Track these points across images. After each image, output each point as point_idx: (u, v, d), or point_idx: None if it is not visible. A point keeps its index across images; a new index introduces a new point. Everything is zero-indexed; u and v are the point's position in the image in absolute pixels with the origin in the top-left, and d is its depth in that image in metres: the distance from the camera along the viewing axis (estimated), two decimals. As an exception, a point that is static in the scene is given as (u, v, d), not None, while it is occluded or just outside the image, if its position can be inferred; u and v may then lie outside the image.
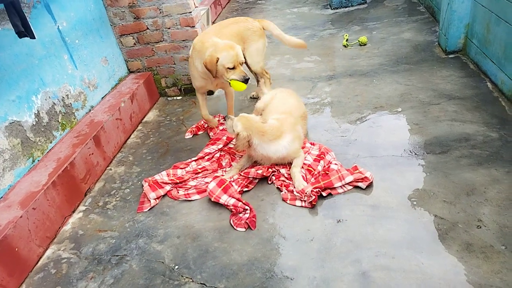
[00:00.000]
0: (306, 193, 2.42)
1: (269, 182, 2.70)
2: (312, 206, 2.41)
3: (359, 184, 2.49)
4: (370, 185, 2.50)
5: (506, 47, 3.06)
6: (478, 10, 3.55)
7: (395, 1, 6.02)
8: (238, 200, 2.49)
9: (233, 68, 2.81)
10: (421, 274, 1.90)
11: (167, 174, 2.87)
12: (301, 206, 2.44)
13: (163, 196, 2.74)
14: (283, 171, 2.72)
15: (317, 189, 2.45)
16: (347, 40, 4.81)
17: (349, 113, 3.36)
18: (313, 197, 2.40)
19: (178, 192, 2.74)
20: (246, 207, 2.45)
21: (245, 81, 2.82)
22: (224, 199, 2.52)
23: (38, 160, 2.74)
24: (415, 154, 2.71)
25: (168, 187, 2.78)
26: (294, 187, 2.54)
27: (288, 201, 2.49)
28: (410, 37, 4.64)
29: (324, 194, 2.47)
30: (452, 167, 2.53)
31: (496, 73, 3.25)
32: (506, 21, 3.04)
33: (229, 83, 2.86)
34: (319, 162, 2.73)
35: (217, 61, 2.78)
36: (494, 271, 1.85)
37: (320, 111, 3.49)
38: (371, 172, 2.54)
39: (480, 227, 2.08)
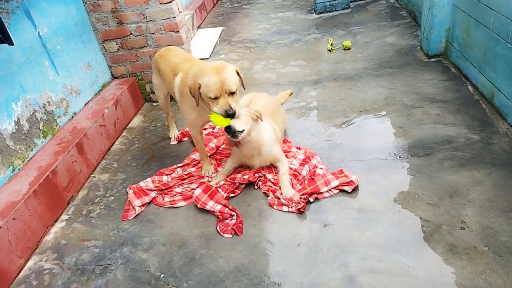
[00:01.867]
0: (294, 201, 2.42)
1: (256, 187, 2.69)
2: (300, 213, 2.40)
3: (345, 188, 2.50)
4: (356, 189, 2.51)
5: (485, 50, 3.14)
6: (457, 15, 3.63)
7: (378, 6, 6.12)
8: (225, 206, 2.47)
9: (216, 98, 2.27)
10: (407, 276, 1.91)
11: (152, 181, 2.83)
12: (288, 212, 2.44)
13: (148, 203, 2.70)
14: (269, 176, 2.72)
15: (305, 195, 2.46)
16: (331, 44, 4.86)
17: (334, 117, 3.38)
18: (302, 204, 2.40)
19: (163, 199, 2.70)
20: (233, 213, 2.43)
21: (228, 115, 2.26)
22: (210, 205, 2.50)
23: (19, 169, 2.67)
24: (400, 157, 2.74)
25: (153, 194, 2.74)
26: (282, 193, 2.53)
27: (275, 207, 2.48)
28: (393, 41, 4.71)
29: (311, 199, 2.47)
30: (436, 169, 2.56)
31: (477, 76, 3.32)
32: (484, 25, 3.11)
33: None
34: (303, 166, 2.74)
35: (199, 88, 2.28)
36: (478, 272, 1.87)
37: (305, 115, 3.50)
38: (357, 176, 2.55)
39: (464, 229, 2.11)
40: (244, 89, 2.55)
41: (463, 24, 3.51)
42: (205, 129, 3.43)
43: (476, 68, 3.33)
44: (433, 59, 4.05)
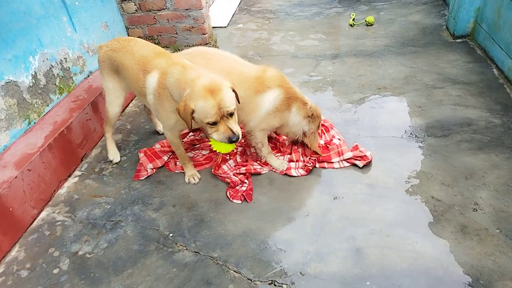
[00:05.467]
0: (304, 161, 2.53)
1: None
2: (308, 172, 2.47)
3: (357, 162, 2.48)
4: (368, 165, 2.48)
5: (516, 32, 3.00)
6: (490, -6, 3.46)
7: (405, -18, 5.87)
8: (239, 173, 2.51)
9: (215, 123, 1.98)
10: (415, 253, 1.91)
11: (161, 146, 2.83)
12: (297, 176, 2.47)
13: (160, 167, 2.72)
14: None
15: (314, 158, 2.53)
16: (353, 19, 4.71)
17: (351, 93, 3.32)
18: (311, 163, 2.47)
19: (175, 165, 2.71)
20: (246, 181, 2.44)
21: (232, 142, 2.02)
22: (226, 171, 2.56)
23: (34, 123, 2.69)
24: (416, 136, 2.69)
25: (165, 158, 2.75)
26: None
27: (283, 172, 2.52)
28: (418, 20, 4.54)
29: (317, 166, 2.52)
30: (452, 150, 2.51)
31: (504, 60, 3.20)
32: (518, 5, 2.96)
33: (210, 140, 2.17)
34: (320, 136, 2.75)
35: (192, 113, 1.95)
36: (487, 253, 1.86)
37: (322, 89, 3.44)
38: (371, 152, 2.52)
39: (476, 210, 2.08)
40: (239, 103, 2.13)
41: (495, 4, 3.35)
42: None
43: (504, 50, 3.19)
44: (458, 40, 3.91)
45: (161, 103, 2.17)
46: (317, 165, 2.52)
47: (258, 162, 2.60)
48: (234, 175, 2.50)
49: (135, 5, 3.83)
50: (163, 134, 3.01)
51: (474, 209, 2.09)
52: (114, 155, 2.79)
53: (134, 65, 2.28)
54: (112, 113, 2.63)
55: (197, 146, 2.85)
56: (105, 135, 2.79)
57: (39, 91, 2.75)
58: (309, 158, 2.54)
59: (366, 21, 4.61)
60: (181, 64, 2.11)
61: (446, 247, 1.91)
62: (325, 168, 2.52)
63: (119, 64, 2.37)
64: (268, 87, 2.33)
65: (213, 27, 4.75)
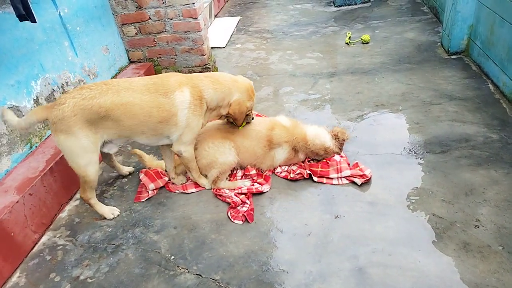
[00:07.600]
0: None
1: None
2: (301, 178, 2.61)
3: (355, 180, 2.49)
4: (368, 182, 2.49)
5: (509, 49, 3.06)
6: (482, 11, 3.54)
7: (398, 1, 6.01)
8: (240, 193, 2.51)
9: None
10: (418, 271, 1.90)
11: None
12: (289, 178, 2.63)
13: (161, 187, 2.72)
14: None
15: (305, 172, 2.62)
16: (349, 38, 4.79)
17: (349, 110, 3.35)
18: (306, 173, 2.61)
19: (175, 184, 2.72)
20: (247, 201, 2.44)
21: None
22: (227, 192, 2.54)
23: (36, 147, 2.72)
24: (415, 153, 2.71)
25: (166, 178, 2.76)
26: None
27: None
28: (413, 37, 4.63)
29: (315, 179, 2.55)
30: (452, 167, 2.52)
31: (498, 75, 3.25)
32: (510, 22, 3.03)
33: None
34: None
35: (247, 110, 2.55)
36: (490, 271, 1.85)
37: (320, 107, 3.48)
38: (370, 170, 2.53)
39: (478, 227, 2.08)
40: None
41: (488, 21, 3.43)
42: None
43: (498, 66, 3.25)
44: (453, 56, 3.97)
45: (195, 113, 2.37)
46: (316, 179, 2.55)
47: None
48: (235, 195, 2.51)
49: (135, 28, 3.91)
50: (130, 175, 2.88)
51: (476, 226, 2.09)
52: (109, 211, 2.49)
53: (144, 96, 2.22)
54: (94, 173, 2.28)
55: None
56: (89, 202, 2.42)
57: (41, 115, 2.77)
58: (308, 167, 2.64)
59: (362, 39, 4.70)
60: (203, 76, 2.47)
61: (449, 265, 1.91)
62: (324, 183, 2.54)
63: (111, 108, 2.15)
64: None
65: (212, 48, 4.84)
